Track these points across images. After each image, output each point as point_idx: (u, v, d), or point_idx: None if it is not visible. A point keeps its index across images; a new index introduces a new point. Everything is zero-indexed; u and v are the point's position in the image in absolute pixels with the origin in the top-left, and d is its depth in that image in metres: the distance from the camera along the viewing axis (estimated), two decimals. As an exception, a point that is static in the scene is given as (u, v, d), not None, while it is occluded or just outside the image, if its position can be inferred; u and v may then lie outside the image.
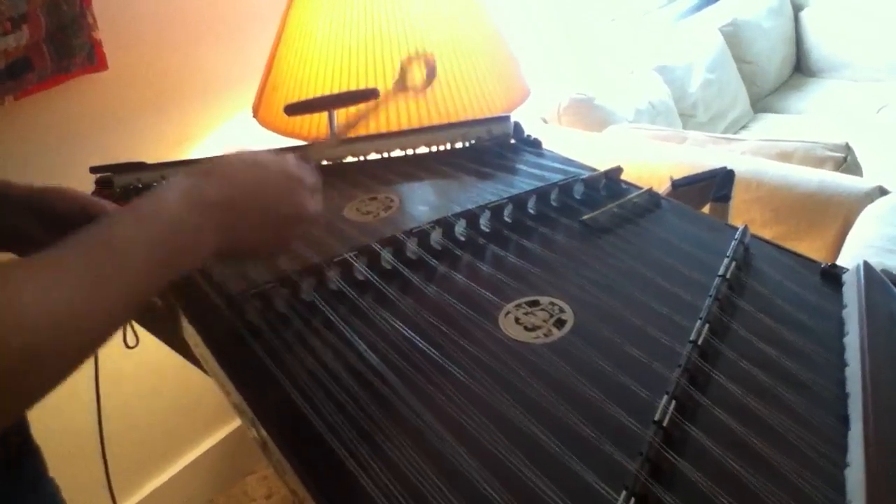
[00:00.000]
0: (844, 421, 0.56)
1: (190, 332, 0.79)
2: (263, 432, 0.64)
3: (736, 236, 0.76)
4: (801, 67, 3.47)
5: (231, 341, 0.72)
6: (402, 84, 0.91)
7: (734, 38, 2.96)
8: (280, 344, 0.69)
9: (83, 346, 0.50)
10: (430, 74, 0.91)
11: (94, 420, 1.02)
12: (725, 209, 0.88)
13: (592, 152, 1.87)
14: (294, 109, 1.11)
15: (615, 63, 2.48)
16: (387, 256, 0.79)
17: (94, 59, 1.37)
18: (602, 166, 0.95)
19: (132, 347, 0.88)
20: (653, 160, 1.68)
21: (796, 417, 0.57)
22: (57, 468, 1.55)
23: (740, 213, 1.68)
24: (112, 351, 0.81)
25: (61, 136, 1.38)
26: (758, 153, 1.84)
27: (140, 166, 1.02)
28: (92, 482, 1.12)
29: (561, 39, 2.51)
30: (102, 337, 0.52)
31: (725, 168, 0.93)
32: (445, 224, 0.82)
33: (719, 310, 0.67)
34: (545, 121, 2.16)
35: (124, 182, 1.02)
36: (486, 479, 0.53)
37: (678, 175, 0.96)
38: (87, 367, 0.90)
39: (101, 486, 1.09)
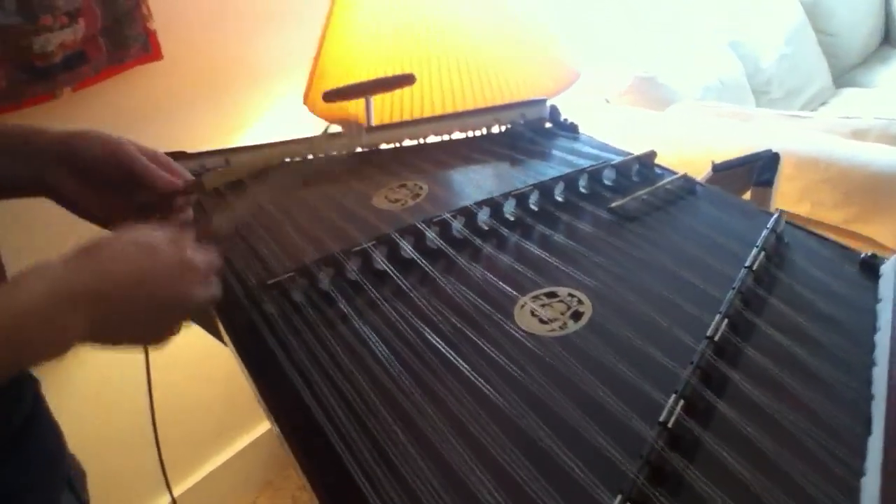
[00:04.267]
0: (867, 424, 0.53)
1: (218, 322, 0.79)
2: (276, 427, 0.64)
3: (768, 224, 0.72)
4: (890, 39, 3.28)
5: (248, 332, 0.72)
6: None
7: (815, 8, 2.81)
8: (294, 336, 0.69)
9: None
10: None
11: (146, 404, 1.03)
12: (767, 194, 0.83)
13: (652, 132, 1.82)
14: (332, 96, 1.11)
15: (684, 38, 2.39)
16: (406, 247, 0.77)
17: (148, 49, 1.40)
18: (660, 146, 0.91)
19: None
20: (712, 140, 1.62)
21: (815, 419, 0.53)
22: (111, 454, 1.60)
23: (809, 194, 1.60)
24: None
25: (117, 126, 1.38)
26: (830, 131, 1.75)
27: (180, 155, 1.04)
28: (147, 466, 1.14)
29: (626, 14, 2.44)
30: None
31: (770, 151, 0.88)
32: (467, 213, 0.80)
33: (742, 303, 0.64)
34: (608, 100, 2.10)
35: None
36: (487, 481, 0.51)
37: (735, 155, 0.91)
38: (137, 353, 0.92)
39: (157, 469, 1.11)
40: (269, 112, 1.62)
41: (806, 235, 0.75)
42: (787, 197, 1.62)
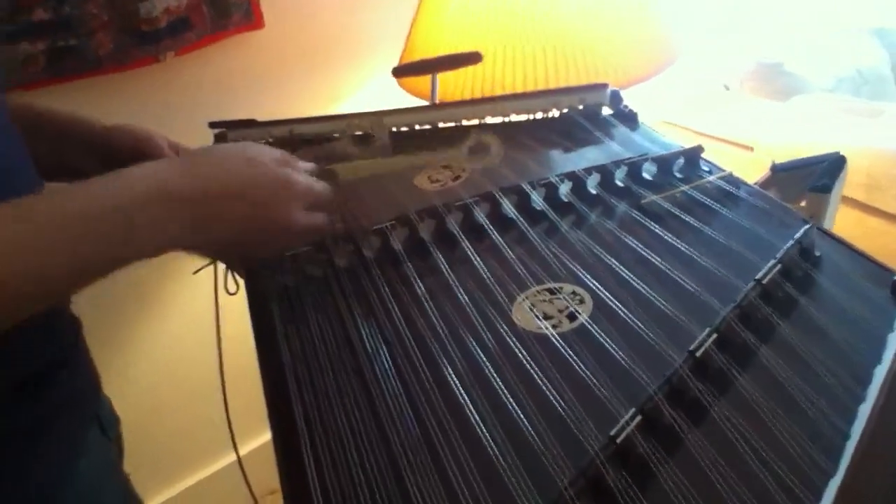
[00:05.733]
0: (837, 462, 0.48)
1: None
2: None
3: (795, 236, 0.66)
4: None
5: (259, 303, 0.74)
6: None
7: None
8: (297, 311, 0.70)
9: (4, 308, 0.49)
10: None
11: (216, 362, 1.07)
12: (823, 201, 0.76)
13: (767, 123, 1.71)
14: (401, 71, 1.11)
15: (820, 24, 2.22)
16: (424, 230, 0.77)
17: (251, 18, 1.45)
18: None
19: (233, 294, 0.92)
20: (829, 135, 1.50)
21: (784, 454, 0.49)
22: (181, 407, 1.66)
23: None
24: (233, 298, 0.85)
25: (217, 92, 1.47)
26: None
27: (250, 123, 1.08)
28: (215, 422, 1.19)
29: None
30: (29, 303, 0.51)
31: (837, 154, 0.81)
32: (491, 199, 0.79)
33: (738, 319, 0.59)
34: (727, 87, 1.99)
35: (236, 137, 1.07)
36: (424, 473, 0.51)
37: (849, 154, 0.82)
38: (209, 309, 0.96)
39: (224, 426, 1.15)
40: (364, 86, 1.64)
41: (843, 250, 0.68)
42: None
